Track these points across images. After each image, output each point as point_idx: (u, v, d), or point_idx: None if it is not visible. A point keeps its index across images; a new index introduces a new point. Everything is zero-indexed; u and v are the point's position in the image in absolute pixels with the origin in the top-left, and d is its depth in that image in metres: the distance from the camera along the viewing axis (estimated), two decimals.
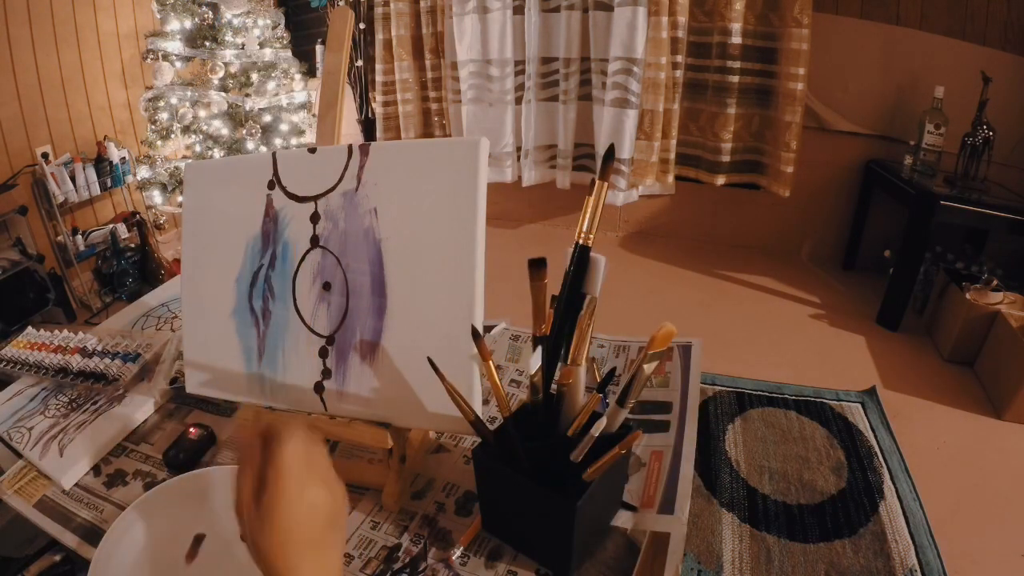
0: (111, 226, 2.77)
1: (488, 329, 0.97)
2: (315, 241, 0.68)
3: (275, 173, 0.71)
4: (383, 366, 0.65)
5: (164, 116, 2.64)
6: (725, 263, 2.82)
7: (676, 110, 2.59)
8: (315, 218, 0.68)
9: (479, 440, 0.61)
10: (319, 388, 0.68)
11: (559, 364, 0.61)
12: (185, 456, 0.74)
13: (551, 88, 2.75)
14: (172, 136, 2.64)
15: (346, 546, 0.48)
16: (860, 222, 2.68)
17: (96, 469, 0.75)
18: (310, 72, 3.02)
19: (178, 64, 2.61)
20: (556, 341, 0.61)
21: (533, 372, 0.61)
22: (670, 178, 2.73)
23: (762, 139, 2.59)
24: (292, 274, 0.69)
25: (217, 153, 2.66)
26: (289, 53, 2.80)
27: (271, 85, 2.72)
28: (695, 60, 2.57)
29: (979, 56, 2.25)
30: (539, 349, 0.61)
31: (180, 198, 2.62)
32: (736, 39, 2.43)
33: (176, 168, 2.70)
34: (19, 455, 0.76)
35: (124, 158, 2.78)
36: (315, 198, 0.68)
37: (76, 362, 0.86)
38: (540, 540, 0.59)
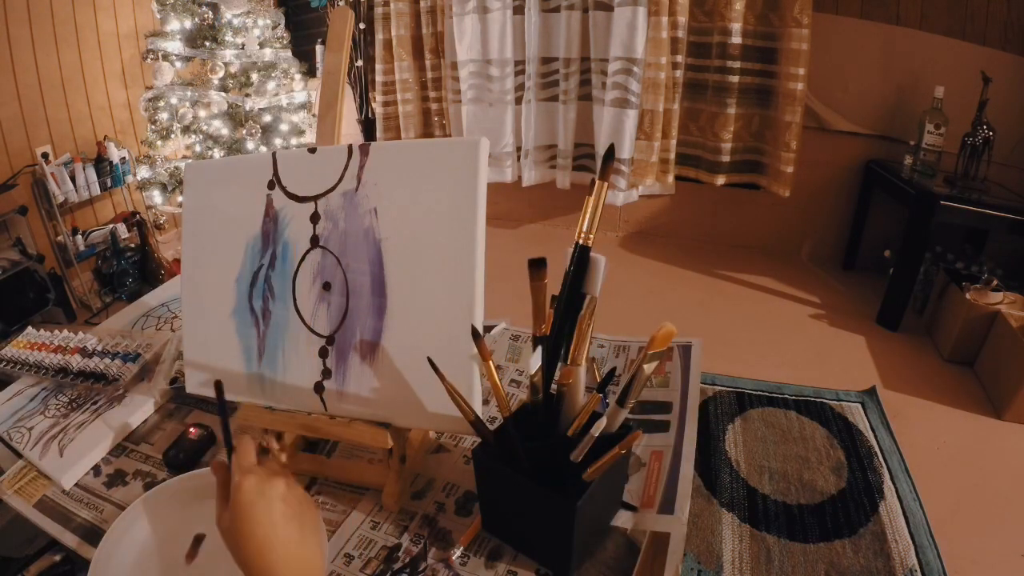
0: (111, 226, 2.77)
1: (488, 329, 0.97)
2: (315, 241, 0.68)
3: (275, 173, 0.71)
4: (383, 366, 0.65)
5: (164, 116, 2.64)
6: (725, 263, 2.82)
7: (676, 110, 2.59)
8: (315, 218, 0.68)
9: (479, 440, 0.61)
10: (319, 388, 0.68)
11: (559, 364, 0.61)
12: (185, 456, 0.74)
13: (551, 88, 2.75)
14: (172, 136, 2.64)
15: (327, 547, 0.52)
16: (860, 222, 2.68)
17: (96, 469, 0.75)
18: (310, 72, 3.02)
19: (178, 64, 2.60)
20: (556, 341, 0.61)
21: (533, 372, 0.61)
22: (670, 178, 2.73)
23: (762, 139, 2.59)
24: (292, 274, 0.69)
25: (217, 153, 2.66)
26: (289, 53, 2.80)
27: (271, 85, 2.72)
28: (695, 60, 2.56)
29: (979, 56, 2.25)
30: (539, 349, 0.61)
31: (180, 198, 2.62)
32: (736, 39, 2.43)
33: (176, 168, 2.70)
34: (19, 455, 0.76)
35: (124, 158, 2.78)
36: (315, 198, 0.68)
37: (76, 362, 0.86)
38: (540, 540, 0.59)
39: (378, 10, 2.87)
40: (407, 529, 0.65)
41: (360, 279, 0.66)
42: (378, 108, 3.07)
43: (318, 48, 3.13)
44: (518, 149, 2.88)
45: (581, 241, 0.59)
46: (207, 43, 2.56)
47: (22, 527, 0.71)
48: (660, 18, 2.39)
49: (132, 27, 2.84)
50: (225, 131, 2.68)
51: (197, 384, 0.75)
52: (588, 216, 0.59)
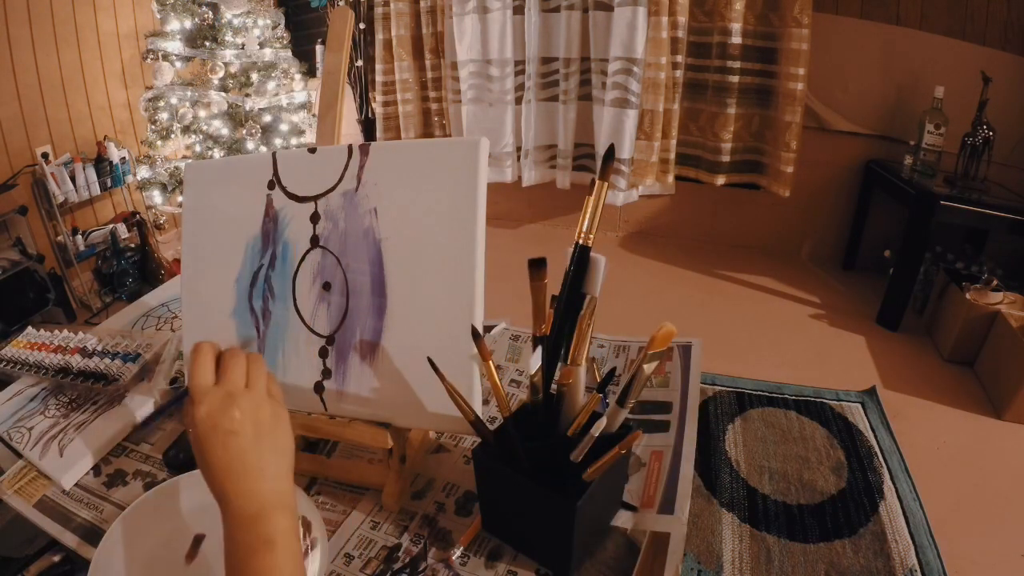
0: (111, 226, 2.77)
1: (488, 329, 0.97)
2: (315, 241, 0.68)
3: (275, 173, 0.71)
4: (383, 366, 0.65)
5: (164, 116, 2.64)
6: (725, 263, 2.82)
7: (676, 110, 2.60)
8: (315, 218, 0.68)
9: (479, 440, 0.61)
10: (319, 388, 0.68)
11: (559, 364, 0.61)
12: (185, 456, 0.74)
13: (551, 88, 2.75)
14: (172, 136, 2.64)
15: (291, 459, 0.51)
16: (860, 222, 2.68)
17: (96, 469, 0.75)
18: (310, 72, 3.02)
19: (178, 64, 2.61)
20: (556, 341, 0.61)
21: (533, 372, 0.61)
22: (670, 178, 2.73)
23: (762, 139, 2.59)
24: (292, 274, 0.69)
25: (217, 153, 2.66)
26: (289, 53, 2.80)
27: (271, 85, 2.72)
28: (695, 60, 2.57)
29: (979, 56, 2.25)
30: (539, 349, 0.61)
31: (180, 198, 2.62)
32: (736, 39, 2.43)
33: (176, 168, 2.70)
34: (19, 455, 0.76)
35: (124, 158, 2.78)
36: (315, 198, 0.68)
37: (76, 362, 0.86)
38: (540, 540, 0.59)
39: (378, 10, 2.88)
40: (407, 529, 0.65)
41: (360, 279, 0.66)
42: (378, 108, 3.07)
43: (318, 48, 3.13)
44: (518, 149, 2.88)
45: (581, 241, 0.59)
46: (207, 43, 2.56)
47: (22, 527, 0.71)
48: (660, 18, 2.39)
49: (132, 27, 2.84)
50: (225, 131, 2.68)
51: None
52: (588, 216, 0.59)
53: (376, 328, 0.65)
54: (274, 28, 2.75)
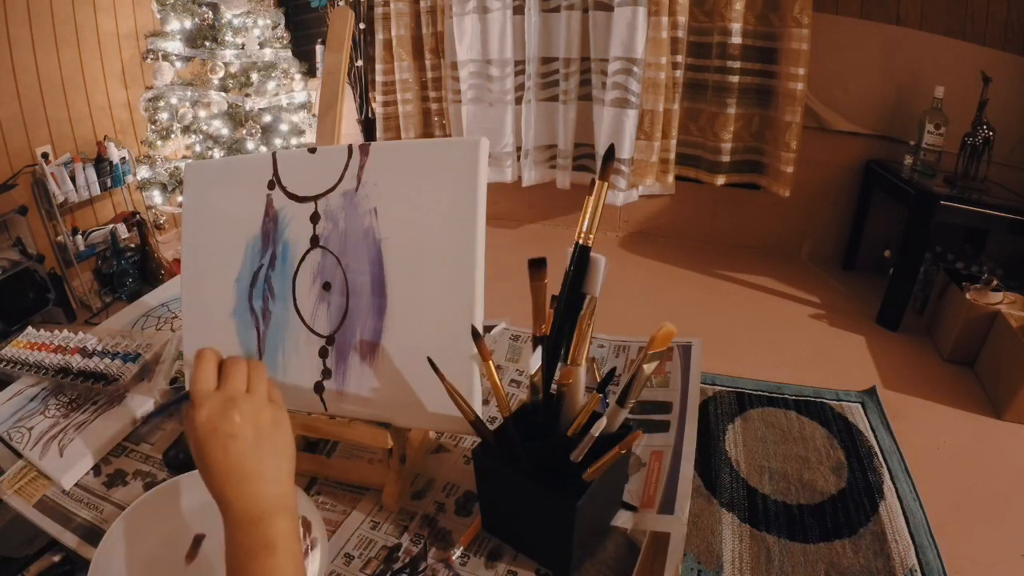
0: (111, 226, 2.77)
1: (488, 329, 0.97)
2: (315, 241, 0.68)
3: (275, 173, 0.71)
4: (383, 366, 0.65)
5: (164, 116, 2.64)
6: (725, 263, 2.82)
7: (676, 110, 2.59)
8: (315, 218, 0.68)
9: (479, 440, 0.61)
10: (319, 388, 0.68)
11: (559, 364, 0.61)
12: (185, 456, 0.74)
13: (551, 88, 2.75)
14: (172, 136, 2.64)
15: (293, 460, 0.51)
16: (860, 222, 2.68)
17: (96, 469, 0.75)
18: (310, 72, 3.02)
19: (178, 64, 2.60)
20: (556, 341, 0.61)
21: (533, 372, 0.61)
22: (670, 178, 2.73)
23: (762, 139, 2.59)
24: (292, 274, 0.69)
25: (217, 153, 2.66)
26: (289, 53, 2.80)
27: (271, 85, 2.72)
28: (695, 60, 2.56)
29: (979, 56, 2.25)
30: (539, 349, 0.61)
31: (180, 198, 2.62)
32: (736, 39, 2.43)
33: (176, 168, 2.70)
34: (19, 455, 0.76)
35: (124, 158, 2.78)
36: (315, 198, 0.68)
37: (76, 362, 0.86)
38: (540, 540, 0.59)
39: (378, 10, 2.88)
40: (407, 529, 0.65)
41: (360, 279, 0.66)
42: (378, 108, 3.07)
43: (318, 48, 3.13)
44: (518, 149, 2.88)
45: (581, 241, 0.59)
46: (207, 43, 2.56)
47: (22, 527, 0.71)
48: (660, 18, 2.39)
49: (132, 27, 2.84)
50: (225, 131, 2.68)
51: None
52: (588, 216, 0.59)
53: (376, 328, 0.65)
54: (274, 28, 2.75)
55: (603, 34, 2.49)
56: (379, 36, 2.92)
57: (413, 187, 0.64)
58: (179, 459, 0.73)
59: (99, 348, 0.90)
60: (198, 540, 0.61)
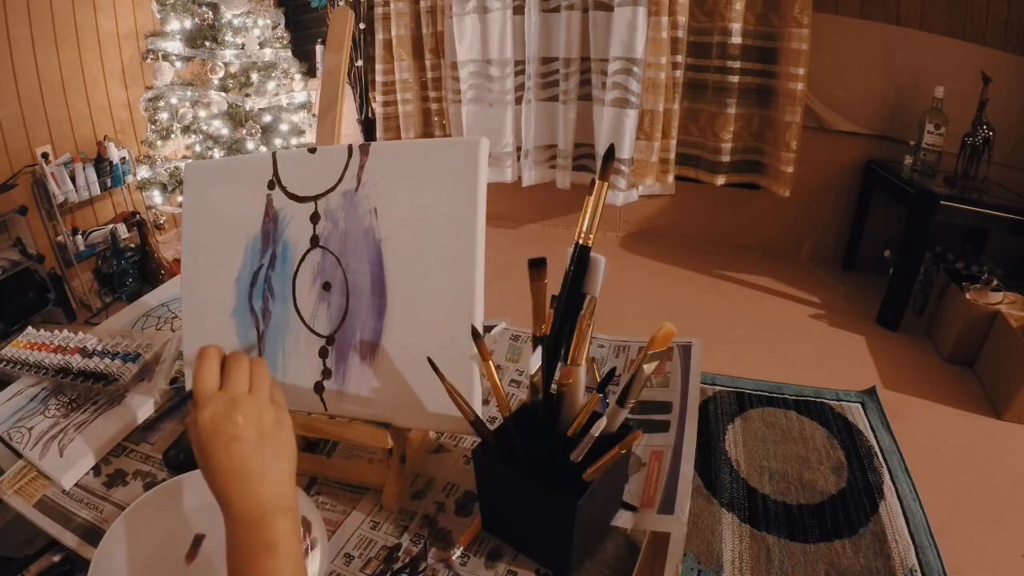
0: (111, 226, 2.77)
1: (488, 329, 0.97)
2: (315, 241, 0.68)
3: (275, 173, 0.71)
4: (383, 366, 0.65)
5: (164, 116, 2.64)
6: (725, 263, 2.82)
7: (676, 110, 2.60)
8: (315, 218, 0.68)
9: (479, 440, 0.61)
10: (319, 388, 0.68)
11: (559, 364, 0.61)
12: (185, 456, 0.74)
13: (551, 88, 2.75)
14: (172, 136, 2.64)
15: (294, 462, 0.51)
16: (860, 222, 2.68)
17: (96, 469, 0.75)
18: (310, 72, 3.02)
19: (178, 64, 2.61)
20: (556, 341, 0.61)
21: (533, 372, 0.61)
22: (670, 178, 2.73)
23: (762, 139, 2.59)
24: (292, 274, 0.69)
25: (217, 153, 2.66)
26: (289, 53, 2.80)
27: (271, 85, 2.72)
28: (695, 60, 2.56)
29: (979, 56, 2.25)
30: (539, 349, 0.61)
31: (180, 198, 2.62)
32: (736, 39, 2.43)
33: (176, 168, 2.70)
34: (19, 455, 0.76)
35: (124, 158, 2.78)
36: (315, 198, 0.68)
37: (76, 362, 0.86)
38: (540, 540, 0.59)
39: (378, 10, 2.88)
40: (407, 529, 0.65)
41: (360, 279, 0.66)
42: (378, 108, 3.07)
43: (318, 48, 3.13)
44: (518, 149, 2.88)
45: (581, 241, 0.59)
46: (207, 43, 2.56)
47: (22, 527, 0.71)
48: (660, 18, 2.39)
49: (132, 27, 2.84)
50: (225, 131, 2.68)
51: None
52: (588, 216, 0.59)
53: (376, 328, 0.65)
54: (274, 28, 2.75)
55: (603, 34, 2.49)
56: (379, 36, 2.92)
57: (413, 187, 0.64)
58: (179, 459, 0.73)
59: (99, 348, 0.90)
60: (198, 540, 0.61)
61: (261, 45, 2.67)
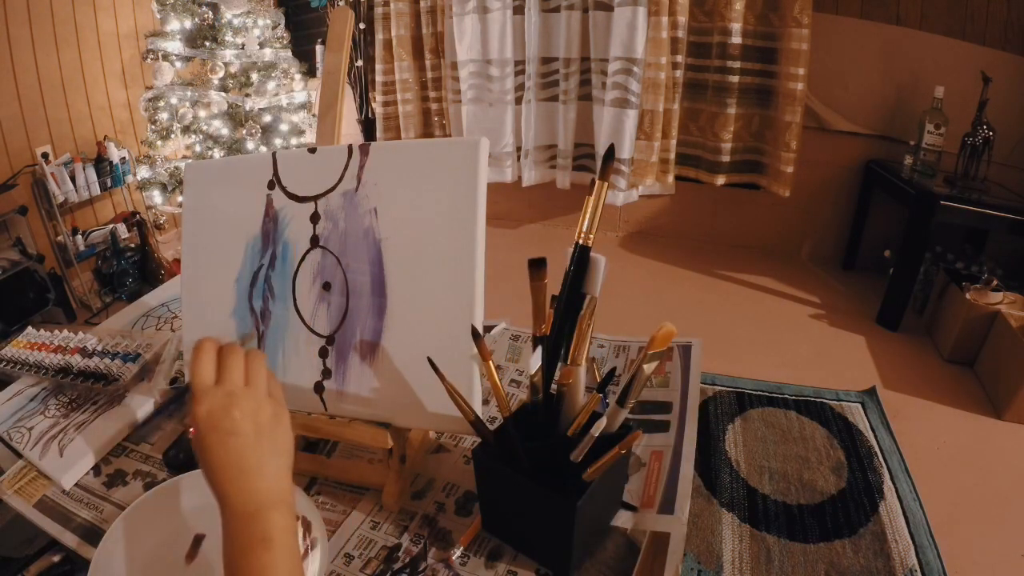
0: (111, 226, 2.77)
1: (488, 329, 0.97)
2: (315, 241, 0.68)
3: (275, 173, 0.71)
4: (383, 366, 0.65)
5: (164, 116, 2.64)
6: (725, 263, 2.82)
7: (676, 110, 2.60)
8: (315, 218, 0.68)
9: (479, 440, 0.61)
10: (319, 388, 0.68)
11: (559, 364, 0.61)
12: (185, 456, 0.74)
13: (551, 88, 2.75)
14: (172, 136, 2.64)
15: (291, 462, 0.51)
16: (860, 222, 2.68)
17: (96, 469, 0.75)
18: (310, 72, 3.02)
19: (178, 64, 2.61)
20: (556, 341, 0.61)
21: (533, 372, 0.61)
22: (670, 178, 2.73)
23: (762, 139, 2.59)
24: (292, 274, 0.69)
25: (217, 153, 2.66)
26: (289, 53, 2.80)
27: (271, 85, 2.72)
28: (695, 60, 2.57)
29: (979, 56, 2.25)
30: (539, 349, 0.61)
31: (180, 198, 2.62)
32: (736, 39, 2.43)
33: (176, 168, 2.70)
34: (19, 455, 0.76)
35: (124, 158, 2.78)
36: (315, 198, 0.68)
37: (76, 362, 0.86)
38: (540, 540, 0.59)
39: (378, 10, 2.88)
40: (407, 529, 0.65)
41: (360, 279, 0.66)
42: (378, 108, 3.07)
43: (318, 48, 3.13)
44: (518, 149, 2.88)
45: (581, 241, 0.59)
46: (207, 43, 2.56)
47: (22, 527, 0.71)
48: (660, 18, 2.40)
49: (132, 27, 2.84)
50: (225, 131, 2.68)
51: None
52: (588, 216, 0.59)
53: (376, 328, 0.65)
54: (274, 28, 2.75)
55: (603, 34, 2.49)
56: (379, 36, 2.92)
57: (413, 187, 0.64)
58: (179, 459, 0.73)
59: (99, 348, 0.90)
60: (198, 540, 0.61)
61: (261, 45, 2.67)
